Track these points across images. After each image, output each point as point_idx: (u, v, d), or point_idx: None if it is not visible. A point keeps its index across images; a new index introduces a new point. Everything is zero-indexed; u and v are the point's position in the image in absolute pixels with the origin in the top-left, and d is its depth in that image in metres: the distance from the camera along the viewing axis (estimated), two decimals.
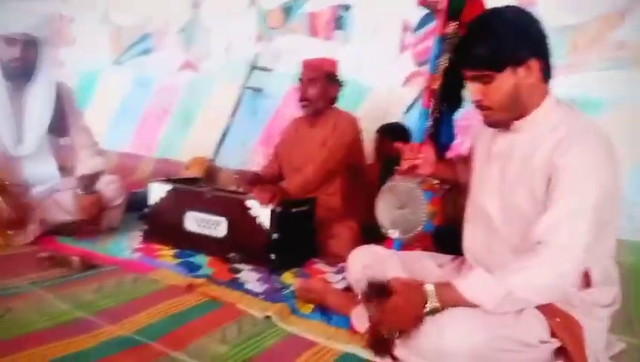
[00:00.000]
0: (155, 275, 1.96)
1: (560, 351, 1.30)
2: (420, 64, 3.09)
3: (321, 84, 2.48)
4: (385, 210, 1.82)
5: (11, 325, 1.46)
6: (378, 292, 1.33)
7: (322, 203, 2.42)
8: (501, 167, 1.45)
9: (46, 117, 2.40)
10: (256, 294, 1.85)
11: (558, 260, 1.22)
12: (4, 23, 2.22)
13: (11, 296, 1.66)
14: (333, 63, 2.55)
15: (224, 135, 3.58)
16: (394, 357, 1.38)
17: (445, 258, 1.73)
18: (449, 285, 1.29)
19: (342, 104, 2.60)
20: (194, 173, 3.26)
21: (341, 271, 2.14)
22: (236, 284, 1.93)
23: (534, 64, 1.31)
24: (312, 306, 1.76)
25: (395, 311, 1.30)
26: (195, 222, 2.29)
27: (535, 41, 1.33)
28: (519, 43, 1.30)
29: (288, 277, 2.05)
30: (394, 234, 1.78)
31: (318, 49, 3.40)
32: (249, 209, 2.14)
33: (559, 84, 1.45)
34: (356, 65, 3.25)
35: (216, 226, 2.23)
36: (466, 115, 2.77)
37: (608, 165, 1.27)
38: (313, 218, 2.34)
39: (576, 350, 1.28)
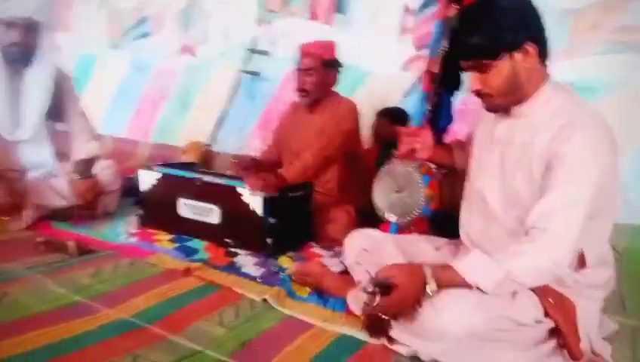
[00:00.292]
0: (152, 259, 1.96)
1: (554, 331, 1.31)
2: (420, 48, 3.06)
3: (318, 74, 2.43)
4: (382, 194, 1.81)
5: (9, 309, 1.47)
6: (382, 290, 1.32)
7: (319, 187, 2.42)
8: (501, 153, 1.44)
9: (44, 102, 2.38)
10: (253, 278, 1.85)
11: (552, 246, 1.23)
12: (5, 7, 2.19)
13: (8, 281, 1.66)
14: (330, 48, 2.49)
15: (221, 119, 3.56)
16: (390, 339, 1.39)
17: (442, 241, 1.73)
18: (447, 266, 1.30)
19: (341, 88, 2.58)
20: (190, 157, 3.25)
21: (337, 254, 2.14)
22: (233, 268, 1.94)
23: (531, 47, 1.30)
24: (308, 289, 1.77)
25: (396, 303, 1.31)
26: (188, 208, 2.28)
27: (530, 24, 1.31)
28: (514, 28, 1.28)
29: (285, 261, 2.05)
30: (391, 217, 1.78)
31: (317, 32, 3.37)
32: (240, 196, 2.13)
33: (559, 69, 1.44)
34: (356, 49, 3.23)
35: (209, 213, 2.23)
36: (463, 101, 2.77)
37: (608, 153, 1.26)
38: (310, 202, 2.33)
39: (569, 329, 1.30)
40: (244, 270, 1.93)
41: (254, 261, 2.04)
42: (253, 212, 2.09)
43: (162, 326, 1.42)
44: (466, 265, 1.28)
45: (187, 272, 1.84)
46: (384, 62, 3.23)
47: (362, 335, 1.45)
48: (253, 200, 2.09)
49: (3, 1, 2.21)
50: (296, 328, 1.49)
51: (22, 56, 2.29)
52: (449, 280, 1.28)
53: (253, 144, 3.73)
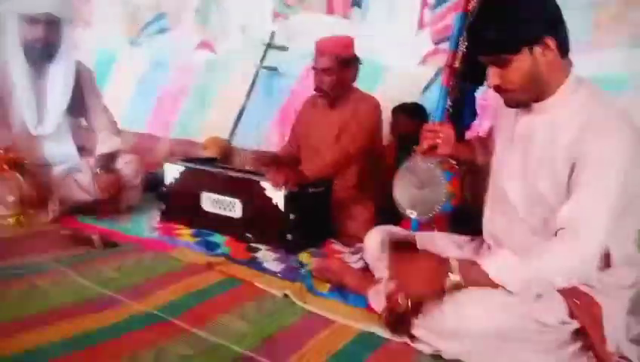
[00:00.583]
0: (174, 253, 1.99)
1: (580, 332, 1.29)
2: (439, 42, 3.04)
3: (335, 73, 2.37)
4: (403, 190, 1.80)
5: (37, 301, 1.50)
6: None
7: (339, 184, 2.41)
8: (523, 150, 1.43)
9: (66, 97, 2.42)
10: (273, 273, 1.87)
11: (582, 246, 1.21)
12: (28, 3, 2.22)
13: (35, 274, 1.69)
14: (347, 44, 2.43)
15: (240, 115, 3.57)
16: (412, 336, 1.39)
17: (463, 239, 1.73)
18: (474, 263, 1.28)
19: (359, 83, 2.56)
20: (210, 153, 3.27)
21: (358, 251, 2.14)
22: (254, 263, 1.96)
23: (550, 41, 1.27)
24: (328, 285, 1.78)
25: (416, 276, 1.29)
26: (210, 202, 2.30)
27: (550, 18, 1.29)
28: (532, 21, 1.26)
29: (305, 257, 2.06)
30: (412, 214, 1.77)
31: (334, 27, 3.35)
32: (264, 190, 2.14)
33: (582, 62, 1.41)
34: (373, 44, 3.20)
35: (232, 207, 2.24)
36: (484, 96, 2.74)
37: (633, 151, 1.24)
38: (330, 198, 2.34)
39: (594, 331, 1.28)
40: (265, 265, 1.94)
41: (275, 256, 2.05)
42: (276, 207, 2.11)
43: (186, 320, 1.44)
44: (493, 263, 1.26)
45: (209, 267, 1.86)
46: (402, 56, 3.20)
47: (384, 333, 1.45)
48: (277, 195, 2.10)
49: None
50: (317, 324, 1.50)
51: (44, 51, 2.33)
52: (474, 276, 1.26)
53: (271, 139, 3.75)
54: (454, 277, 1.26)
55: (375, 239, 1.78)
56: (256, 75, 3.60)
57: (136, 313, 1.47)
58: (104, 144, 2.51)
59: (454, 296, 1.29)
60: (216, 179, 2.28)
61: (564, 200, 1.28)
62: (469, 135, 2.26)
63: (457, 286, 1.26)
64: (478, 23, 1.36)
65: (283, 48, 3.62)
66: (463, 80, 2.02)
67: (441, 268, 1.27)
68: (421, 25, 3.13)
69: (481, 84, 2.07)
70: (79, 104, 2.52)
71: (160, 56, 4.42)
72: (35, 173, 2.25)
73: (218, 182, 2.28)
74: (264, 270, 1.89)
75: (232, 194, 2.23)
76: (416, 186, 1.77)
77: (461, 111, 2.00)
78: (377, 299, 1.57)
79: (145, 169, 2.68)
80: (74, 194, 2.39)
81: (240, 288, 1.72)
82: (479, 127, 2.76)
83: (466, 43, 1.89)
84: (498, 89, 1.37)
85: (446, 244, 1.71)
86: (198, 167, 2.39)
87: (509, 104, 1.41)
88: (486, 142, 1.77)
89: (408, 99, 3.03)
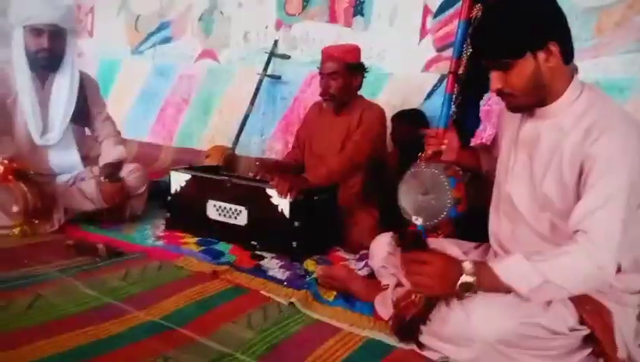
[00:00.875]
0: (179, 262, 1.98)
1: (590, 338, 1.28)
2: (441, 49, 3.05)
3: (343, 78, 2.39)
4: (408, 197, 1.80)
5: (42, 311, 1.49)
6: (415, 242, 1.31)
7: (343, 191, 2.41)
8: (528, 155, 1.43)
9: (71, 107, 2.43)
10: (279, 281, 1.86)
11: (598, 250, 1.19)
12: (32, 14, 2.24)
13: (40, 283, 1.69)
14: (354, 51, 2.46)
15: (243, 123, 3.58)
16: (419, 343, 1.39)
17: (469, 245, 1.72)
18: (486, 265, 1.27)
19: (362, 90, 2.57)
20: (214, 161, 3.28)
21: (363, 258, 2.14)
22: (259, 271, 1.95)
23: (554, 47, 1.27)
24: (334, 293, 1.77)
25: (429, 272, 1.27)
26: (216, 210, 2.30)
27: (553, 24, 1.30)
28: (537, 27, 1.27)
29: (310, 265, 2.05)
30: (417, 220, 1.77)
31: (337, 35, 3.37)
32: (270, 197, 2.14)
33: (584, 68, 1.42)
34: (376, 52, 3.22)
35: (237, 215, 2.24)
36: (488, 101, 2.74)
37: (638, 153, 1.24)
38: (335, 206, 2.33)
39: (605, 337, 1.27)
40: (270, 273, 1.93)
41: (280, 264, 2.05)
42: (281, 214, 2.10)
43: (192, 329, 1.43)
44: (505, 267, 1.24)
45: (214, 275, 1.85)
46: (404, 63, 3.21)
47: (391, 340, 1.44)
48: (283, 202, 2.10)
49: (30, 9, 2.25)
50: (324, 332, 1.49)
51: (49, 62, 2.34)
52: (487, 278, 1.24)
53: (275, 147, 3.75)
54: (467, 278, 1.23)
55: (381, 246, 1.78)
56: (259, 84, 3.61)
57: (141, 322, 1.46)
58: (108, 153, 2.52)
59: (462, 303, 1.28)
60: (222, 187, 2.28)
61: (571, 204, 1.27)
62: (473, 142, 2.26)
63: (469, 287, 1.24)
64: (482, 27, 1.36)
65: (285, 57, 3.63)
66: (467, 87, 2.02)
67: (455, 268, 1.25)
68: (423, 32, 3.14)
69: (485, 91, 2.07)
70: (83, 113, 2.53)
71: (163, 65, 4.44)
72: (39, 182, 2.26)
73: (224, 190, 2.27)
74: (269, 278, 1.88)
75: (238, 202, 2.23)
76: (421, 192, 1.77)
77: (465, 118, 1.99)
78: (384, 306, 1.56)
79: (150, 178, 2.68)
80: (78, 203, 2.40)
81: (246, 296, 1.71)
82: (483, 133, 2.77)
83: (470, 48, 1.88)
84: (500, 93, 1.37)
85: (451, 251, 1.70)
86: (204, 175, 2.39)
87: (511, 108, 1.41)
88: (490, 150, 1.77)
89: (411, 106, 3.04)
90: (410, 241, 1.32)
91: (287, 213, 2.10)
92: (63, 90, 2.41)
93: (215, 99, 4.11)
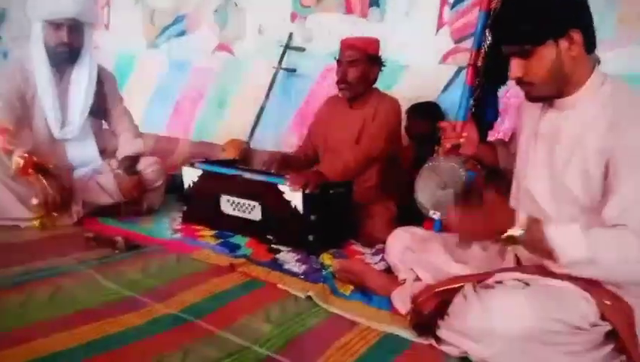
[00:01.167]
0: (197, 255, 2.00)
1: (611, 334, 1.26)
2: (459, 41, 3.01)
3: (362, 67, 2.37)
4: (426, 191, 1.78)
5: (63, 303, 1.51)
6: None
7: (359, 185, 2.39)
8: (548, 148, 1.41)
9: (89, 100, 2.45)
10: (295, 274, 1.86)
11: (637, 243, 1.16)
12: (51, 9, 2.26)
13: (60, 275, 1.71)
14: (375, 43, 2.45)
15: (259, 116, 3.58)
16: (438, 338, 1.38)
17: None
18: (538, 221, 1.24)
19: (378, 82, 2.55)
20: (230, 155, 3.29)
21: (379, 252, 2.14)
22: (276, 265, 1.95)
23: (576, 35, 1.26)
24: (351, 287, 1.77)
25: (480, 220, 1.27)
26: (229, 205, 2.31)
27: (576, 11, 1.28)
28: (559, 13, 1.25)
29: (326, 258, 2.05)
30: (435, 214, 1.75)
31: (353, 27, 3.34)
32: (282, 193, 2.13)
33: (605, 60, 1.39)
34: (392, 43, 3.19)
35: (251, 210, 2.24)
36: (506, 94, 2.71)
37: None
38: (350, 199, 2.32)
39: (627, 332, 1.25)
40: (286, 266, 1.94)
41: (296, 257, 2.05)
42: (295, 209, 2.10)
43: (211, 322, 1.44)
44: (557, 230, 1.21)
45: (232, 268, 1.86)
46: (421, 55, 3.17)
47: (409, 335, 1.44)
48: (295, 198, 2.09)
49: (50, 3, 2.27)
50: (341, 326, 1.49)
51: (68, 56, 2.36)
52: (535, 234, 1.22)
53: (290, 140, 3.75)
54: (516, 231, 1.22)
55: (398, 240, 1.77)
56: (274, 77, 3.61)
57: (161, 315, 1.47)
58: (126, 147, 2.54)
59: (481, 297, 1.27)
60: (235, 182, 2.28)
61: (595, 196, 1.26)
62: (490, 135, 2.23)
63: (514, 241, 1.23)
64: (505, 12, 1.34)
65: (301, 49, 3.62)
66: (486, 78, 2.00)
67: (506, 217, 1.24)
68: (440, 23, 3.10)
69: (504, 82, 2.05)
70: (101, 107, 2.55)
71: (179, 58, 4.46)
72: (58, 176, 2.28)
73: (236, 185, 2.27)
74: (286, 271, 1.89)
75: (251, 198, 2.23)
76: (439, 186, 1.76)
77: (484, 111, 1.97)
78: (402, 301, 1.56)
79: (167, 171, 2.70)
80: (96, 196, 2.42)
81: (262, 290, 1.72)
82: (500, 126, 2.74)
83: (490, 35, 1.85)
84: (520, 82, 1.36)
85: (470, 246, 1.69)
86: (215, 170, 2.39)
87: (530, 98, 1.40)
88: (507, 146, 1.75)
89: (427, 99, 3.01)
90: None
91: (300, 208, 2.10)
92: (82, 84, 2.43)
93: (230, 92, 4.12)
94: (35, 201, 2.17)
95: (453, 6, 3.05)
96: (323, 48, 3.52)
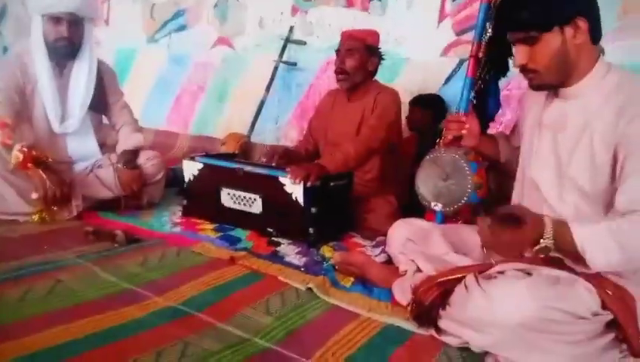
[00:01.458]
0: (197, 248, 1.99)
1: (613, 323, 1.26)
2: (460, 33, 2.99)
3: (360, 56, 2.37)
4: (427, 182, 1.78)
5: (62, 296, 1.50)
6: (510, 220, 1.27)
7: (359, 177, 2.39)
8: (553, 138, 1.40)
9: (89, 95, 2.44)
10: (296, 267, 1.86)
11: None
12: (51, 2, 2.24)
13: (60, 269, 1.70)
14: (374, 35, 2.45)
15: (259, 110, 3.57)
16: (438, 329, 1.37)
17: None
18: (565, 225, 1.22)
19: (379, 75, 2.54)
20: (230, 149, 3.28)
21: (379, 244, 2.13)
22: (276, 257, 1.95)
23: (582, 23, 1.26)
24: (352, 279, 1.76)
25: (515, 243, 1.25)
26: (230, 198, 2.30)
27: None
28: (566, 0, 1.25)
29: (327, 251, 2.04)
30: (437, 206, 1.75)
31: (353, 20, 3.33)
32: (283, 186, 2.12)
33: (609, 51, 1.38)
34: (393, 36, 3.18)
35: (252, 203, 2.24)
36: (507, 86, 2.69)
37: None
38: (350, 192, 2.32)
39: (628, 322, 1.25)
40: (287, 259, 1.93)
41: (297, 250, 2.04)
42: (296, 201, 2.09)
43: (211, 314, 1.44)
44: (585, 233, 1.20)
45: (232, 261, 1.85)
46: (423, 48, 3.16)
47: (409, 326, 1.43)
48: (296, 190, 2.08)
49: None
50: (342, 318, 1.49)
51: (68, 50, 2.35)
52: (563, 240, 1.21)
53: (290, 134, 3.74)
54: (545, 242, 1.21)
55: (399, 232, 1.76)
56: (275, 70, 3.59)
57: (161, 308, 1.47)
58: (126, 141, 2.53)
59: (483, 287, 1.27)
60: (235, 175, 2.27)
61: (602, 186, 1.26)
62: (492, 126, 2.22)
63: (546, 251, 1.22)
64: None
65: (301, 43, 3.61)
66: (487, 70, 1.98)
67: (537, 233, 1.22)
68: (442, 16, 3.08)
69: (504, 74, 2.03)
70: (101, 101, 2.54)
71: (178, 53, 4.45)
72: (58, 170, 2.27)
73: (237, 178, 2.26)
74: (287, 264, 1.88)
75: (252, 191, 2.22)
76: (441, 178, 1.75)
77: (485, 102, 1.95)
78: (402, 292, 1.55)
79: (167, 165, 2.69)
80: (96, 190, 2.41)
81: (263, 282, 1.71)
82: (502, 118, 2.73)
83: (495, 23, 1.83)
84: (524, 69, 1.35)
85: (471, 237, 1.67)
86: (216, 163, 2.38)
87: (533, 87, 1.39)
88: (509, 139, 1.74)
89: (430, 91, 3.00)
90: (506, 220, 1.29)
91: (301, 200, 2.09)
92: (82, 78, 2.41)
93: (230, 86, 4.11)
94: (34, 195, 2.16)
95: None
96: (324, 42, 3.51)
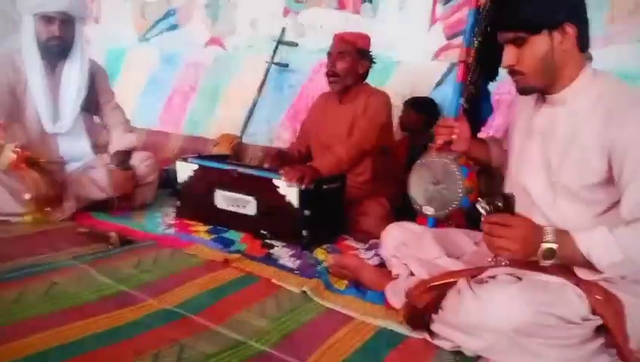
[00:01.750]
0: (191, 250, 2.00)
1: (602, 329, 1.29)
2: (451, 37, 3.03)
3: (351, 59, 2.41)
4: (419, 186, 1.80)
5: (57, 298, 1.50)
6: (504, 206, 1.27)
7: (352, 180, 2.41)
8: (542, 144, 1.43)
9: (81, 95, 2.43)
10: (290, 269, 1.87)
11: None
12: (43, 2, 2.24)
13: (55, 271, 1.70)
14: (365, 38, 2.48)
15: (251, 111, 3.58)
16: (431, 332, 1.40)
17: (481, 235, 1.71)
18: (567, 233, 1.24)
19: (370, 78, 2.56)
20: (222, 150, 3.28)
21: (372, 247, 2.15)
22: (270, 260, 1.96)
23: (571, 29, 1.29)
24: (346, 282, 1.78)
25: (514, 236, 1.23)
26: (224, 200, 2.31)
27: (573, 5, 1.31)
28: (557, 5, 1.28)
29: (320, 253, 2.06)
30: (428, 210, 1.77)
31: (345, 22, 3.35)
32: (277, 188, 2.14)
33: (595, 57, 1.41)
34: (385, 39, 3.20)
35: (246, 204, 2.25)
36: (498, 90, 2.73)
37: None
38: (343, 194, 2.34)
39: (617, 327, 1.27)
40: (281, 262, 1.95)
41: (290, 253, 2.06)
42: (289, 204, 2.11)
43: (206, 317, 1.45)
44: (587, 238, 1.22)
45: (226, 263, 1.86)
46: (414, 51, 3.19)
47: (403, 329, 1.45)
48: (290, 192, 2.10)
49: None
50: (336, 321, 1.50)
51: (59, 49, 2.35)
52: (567, 245, 1.22)
53: (282, 136, 3.75)
54: (550, 245, 1.21)
55: (392, 235, 1.78)
56: (267, 72, 3.60)
57: (156, 310, 1.47)
58: (119, 141, 2.53)
59: (475, 291, 1.29)
60: (229, 177, 2.28)
61: (595, 192, 1.29)
62: (483, 130, 2.25)
63: (552, 254, 1.22)
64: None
65: (293, 44, 3.62)
66: (477, 74, 2.01)
67: (539, 233, 1.23)
68: (433, 19, 3.11)
69: (494, 78, 2.07)
70: (93, 102, 2.54)
71: (170, 52, 4.43)
72: (50, 170, 2.26)
73: (231, 180, 2.27)
74: (281, 266, 1.90)
75: (246, 193, 2.23)
76: (432, 182, 1.77)
77: (476, 107, 1.99)
78: (396, 295, 1.57)
79: (160, 166, 2.69)
80: (89, 191, 2.40)
81: (257, 285, 1.73)
82: (492, 121, 2.76)
83: (489, 21, 1.86)
84: (512, 72, 1.38)
85: (463, 240, 1.71)
86: (210, 164, 2.39)
87: (519, 89, 1.42)
88: (500, 143, 1.77)
89: (421, 94, 3.03)
90: (497, 204, 1.28)
91: (295, 202, 2.10)
92: (73, 78, 2.41)
93: (222, 86, 4.10)
94: (27, 196, 2.15)
95: (445, 2, 3.06)
96: (315, 43, 3.52)
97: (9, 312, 1.40)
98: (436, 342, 1.38)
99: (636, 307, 1.30)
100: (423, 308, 1.40)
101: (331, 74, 2.43)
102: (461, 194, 1.70)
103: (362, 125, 2.40)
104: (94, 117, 2.65)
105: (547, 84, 1.36)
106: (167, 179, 2.76)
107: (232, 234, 2.23)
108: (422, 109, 2.93)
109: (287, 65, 3.67)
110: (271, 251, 2.06)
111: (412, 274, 1.61)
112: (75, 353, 1.22)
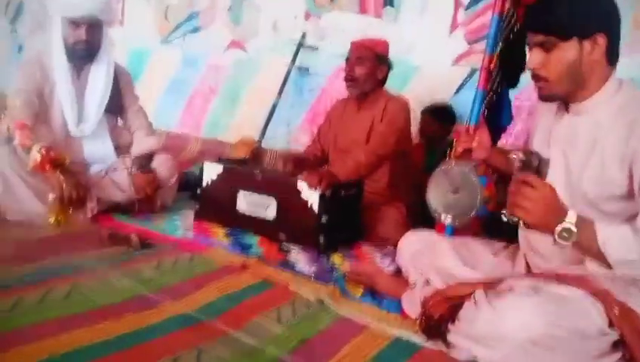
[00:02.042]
0: (209, 254, 2.02)
1: (619, 343, 1.27)
2: (472, 42, 3.01)
3: (369, 64, 2.42)
4: (437, 194, 1.79)
5: (79, 300, 1.53)
6: (538, 168, 1.29)
7: (369, 186, 2.42)
8: (562, 152, 1.42)
9: (106, 98, 2.48)
10: (307, 275, 1.89)
11: None
12: (71, 6, 2.28)
13: (77, 273, 1.73)
14: (384, 44, 2.49)
15: (271, 114, 3.60)
16: (447, 343, 1.39)
17: (498, 245, 1.71)
18: (590, 221, 1.24)
19: (389, 83, 2.56)
20: (241, 153, 3.30)
21: (388, 254, 2.15)
22: (287, 265, 1.98)
23: (601, 40, 1.28)
24: (362, 289, 1.78)
25: (535, 196, 1.22)
26: (246, 203, 2.33)
27: (606, 16, 1.30)
28: (590, 14, 1.27)
29: (336, 259, 2.07)
30: (447, 219, 1.76)
31: (366, 26, 3.35)
32: (300, 192, 2.16)
33: (620, 65, 1.40)
34: (405, 44, 3.20)
35: (267, 207, 2.27)
36: (518, 97, 2.70)
37: None
38: (360, 200, 2.34)
39: (635, 342, 1.25)
40: (297, 267, 1.96)
41: (307, 258, 2.07)
42: (310, 208, 2.12)
43: (224, 322, 1.46)
44: (605, 230, 1.22)
45: (244, 268, 1.88)
46: (434, 56, 3.18)
47: (419, 339, 1.45)
48: (312, 197, 2.11)
49: (68, 1, 2.30)
50: (352, 328, 1.51)
51: (86, 53, 2.39)
52: (585, 232, 1.22)
53: (301, 139, 3.77)
54: (571, 226, 1.21)
55: (409, 243, 1.78)
56: (287, 75, 3.62)
57: (175, 314, 1.49)
58: (141, 144, 2.57)
59: (492, 302, 1.29)
60: (253, 180, 2.30)
61: (616, 202, 1.28)
62: (503, 137, 2.24)
63: (569, 236, 1.22)
64: (542, 1, 1.35)
65: (314, 48, 3.63)
66: (499, 81, 2.00)
67: (561, 208, 1.23)
68: (454, 25, 3.10)
69: (514, 85, 2.05)
70: (117, 105, 2.58)
71: (192, 55, 4.48)
72: (75, 172, 2.31)
73: (255, 183, 2.30)
74: (297, 272, 1.91)
75: (268, 196, 2.25)
76: (451, 190, 1.76)
77: (496, 115, 1.97)
78: (412, 305, 1.57)
79: (179, 168, 2.73)
80: (111, 193, 2.45)
81: (274, 290, 1.74)
82: (512, 128, 2.74)
83: (506, 41, 1.85)
84: (536, 77, 1.37)
85: (481, 250, 1.70)
86: (236, 167, 2.41)
87: (541, 95, 1.41)
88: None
89: (441, 100, 3.02)
90: (531, 162, 1.28)
91: (315, 207, 2.12)
92: (99, 81, 2.46)
93: (243, 89, 4.14)
94: (51, 197, 2.20)
95: (467, 7, 3.05)
96: (336, 48, 3.52)
97: (32, 313, 1.42)
98: (452, 352, 1.37)
99: None
100: (439, 317, 1.40)
101: (350, 78, 2.45)
102: (479, 204, 1.69)
103: (381, 130, 2.41)
104: (118, 119, 2.69)
105: (570, 93, 1.35)
106: (186, 182, 2.79)
107: (249, 238, 2.25)
108: (439, 117, 2.91)
109: (307, 69, 3.68)
110: (288, 256, 2.08)
111: (428, 282, 1.61)
112: (95, 356, 1.24)
